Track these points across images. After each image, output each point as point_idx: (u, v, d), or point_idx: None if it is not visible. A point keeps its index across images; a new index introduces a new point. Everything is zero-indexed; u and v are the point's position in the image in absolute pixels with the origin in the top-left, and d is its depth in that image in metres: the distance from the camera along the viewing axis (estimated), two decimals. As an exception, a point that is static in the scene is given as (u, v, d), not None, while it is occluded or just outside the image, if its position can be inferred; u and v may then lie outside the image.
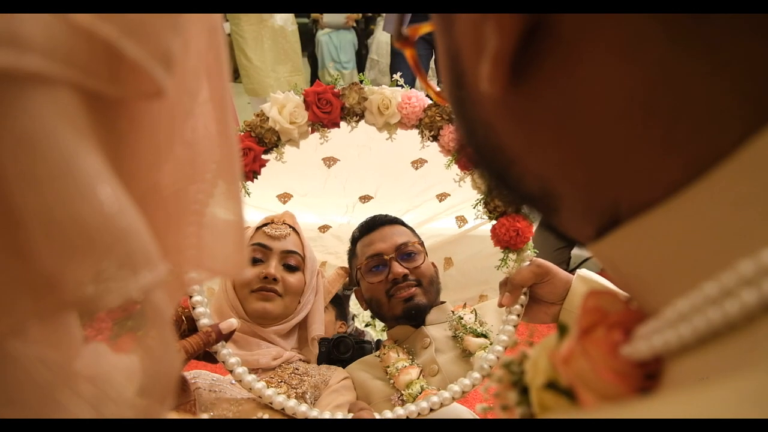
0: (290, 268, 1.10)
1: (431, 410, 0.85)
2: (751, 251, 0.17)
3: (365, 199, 1.59)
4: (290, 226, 1.14)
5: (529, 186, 0.27)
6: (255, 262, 1.08)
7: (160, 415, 0.26)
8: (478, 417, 0.97)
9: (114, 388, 0.24)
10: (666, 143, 0.20)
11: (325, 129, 0.92)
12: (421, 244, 1.26)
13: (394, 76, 0.93)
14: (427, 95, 0.91)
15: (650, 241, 0.21)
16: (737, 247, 0.18)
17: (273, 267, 1.07)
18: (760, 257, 0.16)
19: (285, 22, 3.35)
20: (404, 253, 1.20)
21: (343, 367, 1.16)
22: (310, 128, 0.92)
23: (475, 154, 0.30)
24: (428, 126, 0.92)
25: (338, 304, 1.57)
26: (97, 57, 0.20)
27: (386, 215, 1.33)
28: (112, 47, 0.19)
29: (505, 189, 0.29)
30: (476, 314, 1.17)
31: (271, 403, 0.84)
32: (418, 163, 1.39)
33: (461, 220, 1.63)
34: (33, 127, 0.18)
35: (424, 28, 0.37)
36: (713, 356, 0.18)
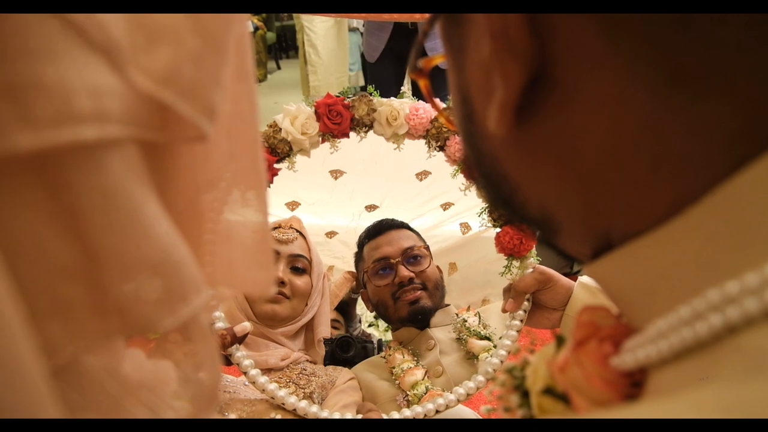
0: (298, 271, 1.14)
1: (437, 412, 0.88)
2: (718, 280, 0.20)
3: (371, 208, 1.62)
4: (297, 231, 1.17)
5: (531, 211, 0.29)
6: None
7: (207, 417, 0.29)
8: (481, 418, 1.00)
9: (163, 394, 0.28)
10: (652, 180, 0.23)
11: (335, 139, 0.96)
12: (427, 248, 1.28)
13: (402, 88, 0.96)
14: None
15: (636, 266, 0.24)
16: (708, 276, 0.21)
17: (281, 271, 1.10)
18: (725, 287, 0.19)
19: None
20: (410, 257, 1.23)
21: (348, 368, 1.19)
22: (320, 138, 0.95)
23: (482, 179, 0.33)
24: (435, 137, 0.95)
25: (343, 311, 1.60)
26: (151, 112, 0.23)
27: (393, 219, 1.36)
28: (168, 107, 0.23)
29: (509, 212, 0.32)
30: (480, 317, 1.20)
31: (283, 404, 0.88)
32: (422, 175, 1.42)
33: (465, 226, 1.65)
34: (112, 184, 0.21)
35: (437, 60, 0.40)
36: (686, 368, 0.21)
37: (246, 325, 0.84)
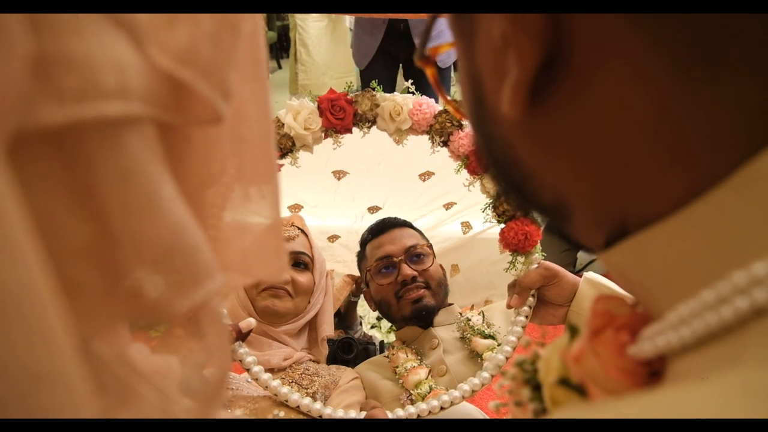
0: (300, 267, 1.14)
1: (442, 408, 0.87)
2: (743, 263, 0.19)
3: (374, 209, 1.61)
4: (299, 228, 1.17)
5: (543, 198, 0.29)
6: None
7: (213, 413, 0.28)
8: (487, 416, 0.99)
9: (172, 383, 0.27)
10: (670, 163, 0.22)
11: (338, 135, 0.95)
12: (430, 246, 1.28)
13: (405, 83, 0.95)
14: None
15: (655, 252, 0.23)
16: (732, 259, 0.20)
17: None
18: (751, 269, 0.19)
19: (350, 23, 3.28)
20: (413, 255, 1.23)
21: (351, 368, 1.19)
22: (323, 134, 0.95)
23: (493, 166, 0.32)
24: (438, 132, 0.95)
25: (339, 314, 1.60)
26: (168, 92, 0.23)
27: (395, 218, 1.36)
28: (187, 86, 0.22)
29: (521, 200, 0.32)
30: (484, 316, 1.19)
31: (286, 401, 0.87)
32: (425, 176, 1.41)
33: (466, 225, 1.65)
34: (131, 163, 0.21)
35: (444, 48, 0.39)
36: (710, 355, 0.20)
37: (251, 321, 0.83)
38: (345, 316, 1.64)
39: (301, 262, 1.14)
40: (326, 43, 3.35)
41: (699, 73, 0.20)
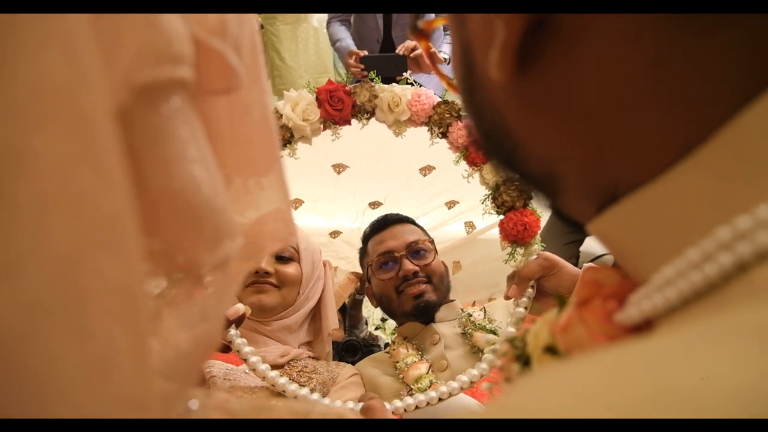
0: (283, 260, 1.13)
1: (440, 400, 0.86)
2: (728, 219, 0.19)
3: (375, 205, 1.61)
4: None
5: (533, 168, 0.28)
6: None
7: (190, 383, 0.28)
8: (485, 406, 0.98)
9: (182, 352, 0.27)
10: (659, 124, 0.21)
11: (337, 126, 0.95)
12: (432, 242, 1.28)
13: (404, 74, 0.95)
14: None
15: (643, 216, 0.23)
16: (718, 215, 0.19)
17: (264, 261, 1.09)
18: (735, 223, 0.18)
19: (320, 23, 3.25)
20: (415, 251, 1.23)
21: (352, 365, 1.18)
22: (322, 125, 0.95)
23: (484, 139, 0.32)
24: (437, 123, 0.95)
25: (344, 312, 1.59)
26: (198, 61, 0.25)
27: (397, 214, 1.35)
28: (213, 51, 0.25)
29: (512, 172, 0.31)
30: (485, 312, 1.19)
31: (284, 392, 0.86)
32: (426, 170, 1.41)
33: (470, 225, 1.64)
34: (165, 123, 0.22)
35: (438, 22, 0.39)
36: (695, 312, 0.20)
37: (239, 307, 0.83)
38: (352, 315, 1.63)
39: (284, 255, 1.13)
40: (302, 46, 3.35)
41: (684, 28, 0.20)
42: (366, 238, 1.36)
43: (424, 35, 0.39)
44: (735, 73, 0.20)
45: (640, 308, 0.23)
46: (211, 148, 0.32)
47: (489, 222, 1.23)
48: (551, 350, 0.32)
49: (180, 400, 0.28)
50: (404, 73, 0.95)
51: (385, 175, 1.48)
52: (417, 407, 0.86)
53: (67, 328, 0.15)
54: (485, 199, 0.95)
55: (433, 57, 0.40)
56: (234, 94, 0.29)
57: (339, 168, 1.35)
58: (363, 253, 1.38)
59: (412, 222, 1.34)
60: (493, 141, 0.31)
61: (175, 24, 0.22)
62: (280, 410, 0.28)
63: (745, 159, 0.19)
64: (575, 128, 0.24)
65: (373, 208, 1.60)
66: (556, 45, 0.23)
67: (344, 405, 0.85)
